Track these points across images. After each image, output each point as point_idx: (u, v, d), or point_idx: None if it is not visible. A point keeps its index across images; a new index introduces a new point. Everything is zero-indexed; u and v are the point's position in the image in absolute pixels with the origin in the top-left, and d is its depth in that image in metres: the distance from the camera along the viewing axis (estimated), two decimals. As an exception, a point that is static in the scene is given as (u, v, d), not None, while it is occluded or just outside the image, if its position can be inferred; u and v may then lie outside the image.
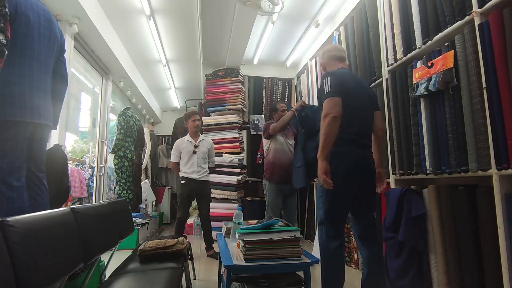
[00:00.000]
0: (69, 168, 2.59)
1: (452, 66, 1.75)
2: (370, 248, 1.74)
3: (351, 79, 1.83)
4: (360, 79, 2.16)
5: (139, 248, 1.90)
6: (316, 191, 1.84)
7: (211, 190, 3.72)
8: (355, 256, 2.77)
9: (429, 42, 1.98)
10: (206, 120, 4.57)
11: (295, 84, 4.85)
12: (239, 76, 4.64)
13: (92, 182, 3.85)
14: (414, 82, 2.04)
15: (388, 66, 2.39)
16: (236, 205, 3.95)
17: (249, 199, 4.35)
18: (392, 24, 2.33)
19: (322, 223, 1.72)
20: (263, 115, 4.78)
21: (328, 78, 1.72)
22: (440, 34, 1.89)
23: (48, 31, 1.64)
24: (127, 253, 2.12)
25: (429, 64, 1.93)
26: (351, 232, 2.69)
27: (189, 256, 2.34)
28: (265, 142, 3.45)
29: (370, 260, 1.72)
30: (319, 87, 1.83)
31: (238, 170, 4.32)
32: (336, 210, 1.70)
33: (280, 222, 1.74)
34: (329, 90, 1.68)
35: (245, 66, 4.78)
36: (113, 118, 4.64)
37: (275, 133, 3.31)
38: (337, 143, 1.67)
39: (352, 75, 1.93)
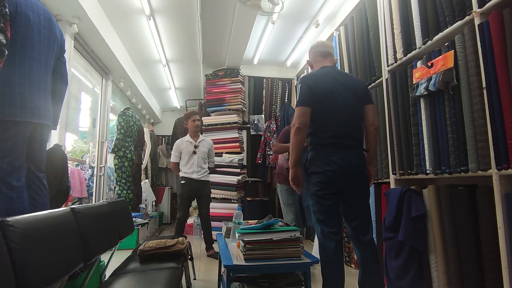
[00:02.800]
0: (69, 168, 2.59)
1: (452, 66, 1.75)
2: (361, 250, 1.70)
3: (330, 79, 1.74)
4: (345, 75, 1.92)
5: (139, 248, 1.90)
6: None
7: (211, 190, 3.72)
8: (355, 256, 2.77)
9: (429, 42, 1.98)
10: (206, 120, 4.57)
11: (295, 84, 4.85)
12: (239, 76, 4.64)
13: (92, 182, 3.85)
14: (414, 82, 2.04)
15: (388, 66, 2.38)
16: (236, 205, 3.95)
17: (249, 199, 4.35)
18: (392, 24, 2.33)
19: (316, 224, 1.72)
20: (263, 115, 4.79)
21: (300, 85, 1.76)
22: (440, 34, 1.89)
23: (48, 31, 1.64)
24: (127, 253, 2.12)
25: (429, 64, 1.93)
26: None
27: (189, 256, 2.34)
28: None
29: (362, 261, 1.70)
30: None
31: (238, 170, 4.33)
32: (324, 211, 1.67)
33: (280, 222, 1.74)
34: (298, 99, 1.72)
35: (245, 66, 4.78)
36: (113, 118, 4.64)
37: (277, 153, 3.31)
38: (312, 148, 1.75)
39: (332, 74, 1.78)
